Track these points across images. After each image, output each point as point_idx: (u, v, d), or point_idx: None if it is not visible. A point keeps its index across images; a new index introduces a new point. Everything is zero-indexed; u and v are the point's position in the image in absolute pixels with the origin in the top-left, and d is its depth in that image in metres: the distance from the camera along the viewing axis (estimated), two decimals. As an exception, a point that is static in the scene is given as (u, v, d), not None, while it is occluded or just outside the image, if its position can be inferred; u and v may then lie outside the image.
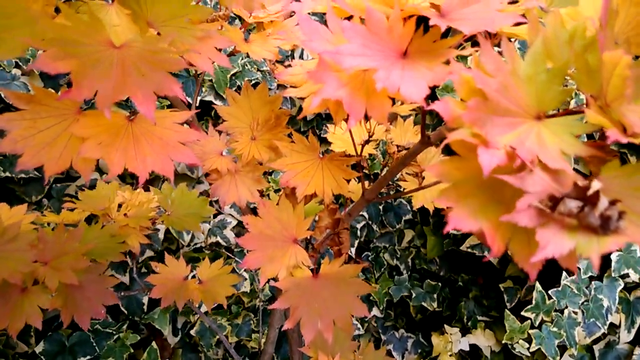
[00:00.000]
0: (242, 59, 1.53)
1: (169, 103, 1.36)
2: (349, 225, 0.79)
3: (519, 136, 0.45)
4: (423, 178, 1.03)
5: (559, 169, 0.42)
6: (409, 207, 1.91)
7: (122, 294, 1.02)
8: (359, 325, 1.79)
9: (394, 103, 0.49)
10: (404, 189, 1.01)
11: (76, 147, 0.56)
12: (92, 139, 0.55)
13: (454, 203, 0.46)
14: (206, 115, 1.57)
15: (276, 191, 1.51)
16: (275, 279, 0.73)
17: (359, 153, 0.76)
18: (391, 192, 1.54)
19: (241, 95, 0.76)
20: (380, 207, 1.86)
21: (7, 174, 1.19)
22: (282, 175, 0.68)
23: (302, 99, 0.58)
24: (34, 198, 1.31)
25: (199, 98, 1.46)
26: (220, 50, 0.61)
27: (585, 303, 1.53)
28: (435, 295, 1.86)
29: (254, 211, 0.76)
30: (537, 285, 1.53)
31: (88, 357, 1.35)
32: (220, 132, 0.76)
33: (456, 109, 0.44)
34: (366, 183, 0.80)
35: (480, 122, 0.44)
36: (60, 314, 0.85)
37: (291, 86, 0.54)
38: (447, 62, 0.47)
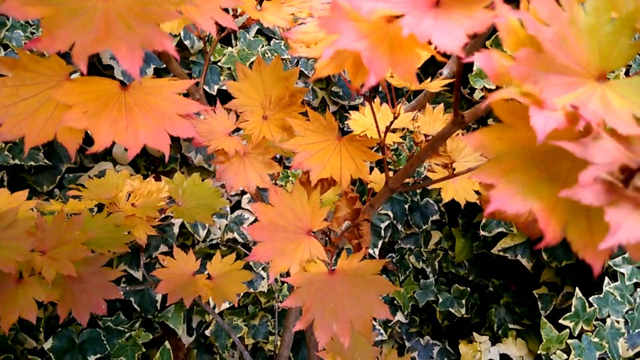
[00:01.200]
0: (262, 47, 1.46)
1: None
2: (370, 217, 0.71)
3: (579, 97, 0.37)
4: (453, 170, 0.94)
5: (633, 135, 0.34)
6: (436, 207, 1.82)
7: (128, 288, 0.95)
8: (382, 331, 1.70)
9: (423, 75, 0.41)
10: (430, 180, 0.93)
11: (61, 117, 0.50)
12: (77, 107, 0.49)
13: (497, 179, 0.37)
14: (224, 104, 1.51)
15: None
16: (287, 274, 0.65)
17: (382, 137, 0.68)
18: (418, 188, 1.45)
19: (253, 70, 0.68)
20: (406, 206, 1.77)
21: (17, 161, 1.15)
22: (295, 156, 0.60)
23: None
24: (45, 188, 1.27)
25: (216, 87, 1.40)
26: (227, 11, 0.54)
27: (629, 312, 1.41)
28: (463, 301, 1.76)
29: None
30: (577, 291, 1.41)
31: (98, 355, 1.30)
32: (229, 111, 0.69)
33: (502, 62, 0.36)
34: (390, 173, 0.72)
35: (533, 79, 0.36)
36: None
37: (305, 46, 0.47)
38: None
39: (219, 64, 1.40)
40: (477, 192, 0.88)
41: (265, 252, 0.65)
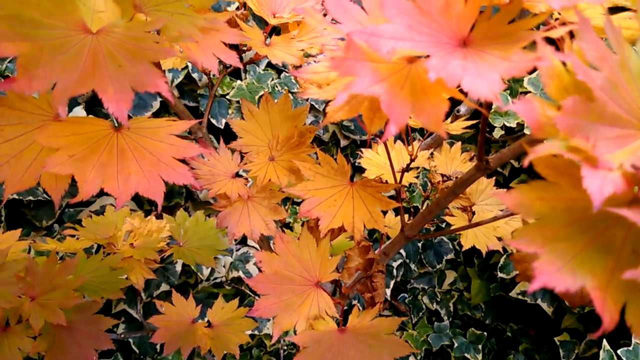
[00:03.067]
0: (272, 80, 1.43)
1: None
2: (384, 268, 0.65)
3: (634, 153, 0.31)
4: (473, 213, 0.88)
5: None
6: (450, 246, 1.74)
7: (123, 335, 0.89)
8: (393, 377, 1.60)
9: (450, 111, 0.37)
10: (448, 224, 0.87)
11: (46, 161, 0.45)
12: (63, 151, 0.44)
13: (540, 248, 0.31)
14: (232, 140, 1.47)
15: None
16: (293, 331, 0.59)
17: (398, 180, 0.63)
18: (432, 229, 1.39)
19: (260, 108, 0.64)
20: (419, 245, 1.70)
21: (15, 195, 1.11)
22: (302, 203, 0.55)
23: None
24: (44, 223, 1.22)
25: (224, 120, 1.36)
26: (234, 47, 0.49)
27: (660, 366, 1.31)
28: (480, 346, 1.66)
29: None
30: (605, 343, 1.32)
31: (93, 400, 1.22)
32: (233, 151, 0.65)
33: (545, 111, 0.31)
34: (405, 217, 0.66)
35: (582, 131, 0.30)
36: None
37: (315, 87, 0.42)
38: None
39: (227, 97, 1.37)
40: (499, 239, 0.82)
41: (269, 307, 0.60)
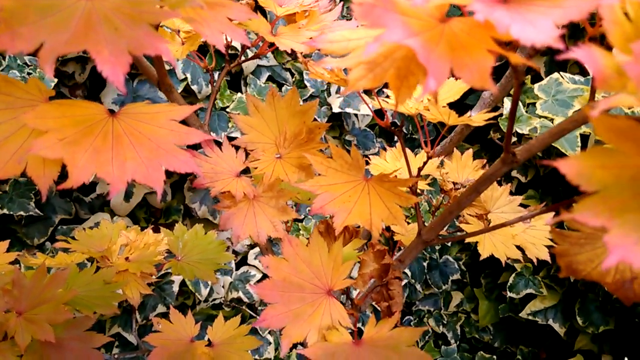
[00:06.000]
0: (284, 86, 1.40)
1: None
2: (401, 274, 0.60)
3: None
4: (489, 222, 0.84)
5: None
6: (456, 266, 1.69)
7: (117, 356, 0.83)
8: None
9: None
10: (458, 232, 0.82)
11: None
12: (52, 133, 0.40)
13: (608, 220, 0.27)
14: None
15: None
16: (302, 344, 0.54)
17: (414, 177, 0.59)
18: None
19: (265, 103, 0.60)
20: (425, 264, 1.64)
21: (6, 210, 1.06)
22: (315, 199, 0.50)
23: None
24: (36, 241, 1.17)
25: (224, 133, 1.32)
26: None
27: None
28: (489, 370, 1.59)
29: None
30: (624, 363, 1.26)
31: None
32: (237, 149, 0.60)
33: (610, 60, 0.26)
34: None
35: (654, 81, 0.26)
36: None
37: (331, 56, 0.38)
38: None
39: (227, 110, 1.33)
40: (518, 248, 0.77)
41: (277, 316, 0.54)
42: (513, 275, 1.53)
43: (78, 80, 1.19)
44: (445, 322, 1.70)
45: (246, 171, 0.60)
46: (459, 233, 0.85)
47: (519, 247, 0.78)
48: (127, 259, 0.85)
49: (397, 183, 0.52)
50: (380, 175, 0.53)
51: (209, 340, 0.82)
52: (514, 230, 0.80)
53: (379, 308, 0.60)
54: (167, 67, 0.96)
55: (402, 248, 0.89)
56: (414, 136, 1.74)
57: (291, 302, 0.55)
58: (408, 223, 0.88)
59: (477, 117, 0.56)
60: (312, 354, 0.52)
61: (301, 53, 0.55)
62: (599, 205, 0.27)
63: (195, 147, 0.54)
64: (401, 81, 0.34)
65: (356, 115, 1.56)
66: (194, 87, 1.29)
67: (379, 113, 1.67)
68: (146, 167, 0.41)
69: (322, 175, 0.52)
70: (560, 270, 0.41)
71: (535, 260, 0.76)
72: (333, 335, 0.54)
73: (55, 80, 1.15)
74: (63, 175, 0.40)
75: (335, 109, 1.41)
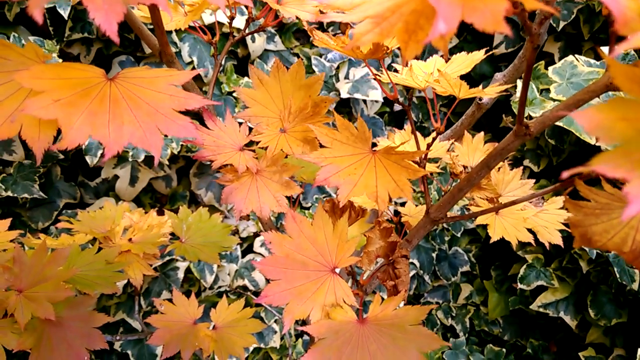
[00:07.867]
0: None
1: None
2: (408, 253, 0.58)
3: None
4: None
5: None
6: (466, 257, 1.66)
7: (118, 337, 0.82)
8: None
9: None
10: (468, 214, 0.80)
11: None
12: (47, 94, 0.39)
13: (628, 173, 0.25)
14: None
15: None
16: (305, 322, 0.52)
17: (423, 154, 0.57)
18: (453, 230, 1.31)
19: (270, 76, 0.58)
20: (434, 255, 1.62)
21: (9, 193, 1.05)
22: (319, 171, 0.49)
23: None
24: (40, 225, 1.16)
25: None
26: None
27: (697, 382, 1.22)
28: (499, 363, 1.57)
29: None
30: None
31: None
32: (240, 123, 0.59)
33: (633, 2, 0.25)
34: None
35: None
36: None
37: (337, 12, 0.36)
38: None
39: (234, 94, 1.32)
40: (530, 231, 0.75)
41: (280, 293, 0.53)
42: (524, 266, 1.50)
43: (83, 62, 1.19)
44: (454, 314, 1.68)
45: (250, 145, 0.58)
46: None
47: (530, 231, 0.76)
48: (130, 240, 0.84)
49: (405, 155, 0.50)
50: (387, 148, 0.51)
51: (212, 323, 0.81)
52: (525, 214, 0.78)
53: (385, 286, 0.58)
54: (173, 49, 0.94)
55: (407, 233, 0.87)
56: (424, 124, 1.71)
57: (295, 279, 0.54)
58: (416, 205, 0.86)
59: (489, 90, 0.54)
60: (315, 331, 0.51)
61: (307, 21, 0.54)
62: (620, 158, 0.26)
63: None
64: (409, 35, 0.32)
65: (365, 101, 1.54)
66: (200, 72, 1.28)
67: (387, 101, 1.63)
68: (144, 131, 0.40)
69: (327, 147, 0.50)
70: (575, 242, 0.39)
71: (547, 245, 0.74)
72: (337, 313, 0.53)
73: (60, 61, 1.14)
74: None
75: (344, 95, 1.38)
